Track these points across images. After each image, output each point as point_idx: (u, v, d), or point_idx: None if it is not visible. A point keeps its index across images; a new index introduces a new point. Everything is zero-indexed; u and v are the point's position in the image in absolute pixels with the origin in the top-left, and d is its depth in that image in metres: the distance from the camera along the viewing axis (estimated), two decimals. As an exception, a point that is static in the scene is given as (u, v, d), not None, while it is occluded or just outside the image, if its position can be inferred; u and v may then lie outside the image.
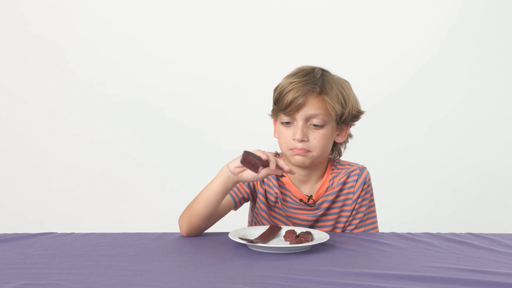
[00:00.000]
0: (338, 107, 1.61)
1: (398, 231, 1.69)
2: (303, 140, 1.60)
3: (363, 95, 3.32)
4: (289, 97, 1.59)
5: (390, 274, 1.25)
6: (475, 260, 1.39)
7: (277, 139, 1.70)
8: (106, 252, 1.42)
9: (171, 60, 3.38)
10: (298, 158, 1.63)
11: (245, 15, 3.39)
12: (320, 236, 1.51)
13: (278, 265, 1.31)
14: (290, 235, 1.52)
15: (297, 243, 1.46)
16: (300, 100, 1.58)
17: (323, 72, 1.67)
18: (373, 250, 1.46)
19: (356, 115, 1.69)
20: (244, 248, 1.46)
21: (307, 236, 1.49)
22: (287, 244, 1.46)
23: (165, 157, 3.41)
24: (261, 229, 1.58)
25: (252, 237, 1.51)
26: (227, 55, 3.39)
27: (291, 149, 1.62)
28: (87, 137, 3.38)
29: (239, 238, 1.47)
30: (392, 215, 3.24)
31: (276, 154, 1.70)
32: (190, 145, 3.38)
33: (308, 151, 1.61)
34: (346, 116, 1.65)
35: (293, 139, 1.61)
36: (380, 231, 1.70)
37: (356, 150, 3.27)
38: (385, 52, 3.40)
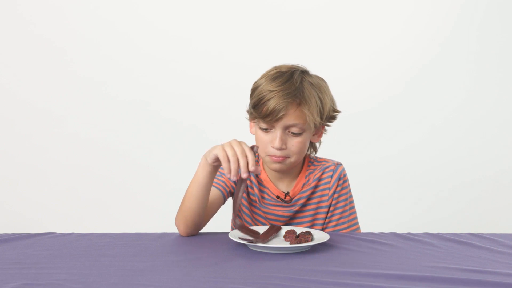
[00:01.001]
0: (317, 119, 1.63)
1: (398, 231, 1.69)
2: (282, 148, 1.63)
3: (363, 95, 3.34)
4: (269, 107, 1.60)
5: (390, 274, 1.25)
6: (475, 260, 1.39)
7: (253, 135, 1.71)
8: (106, 252, 1.42)
9: (171, 60, 3.39)
10: (276, 166, 1.66)
11: (245, 15, 3.39)
12: (320, 236, 1.51)
13: (278, 265, 1.31)
14: (290, 235, 1.52)
15: (297, 243, 1.46)
16: (281, 114, 1.59)
17: (302, 76, 1.67)
18: (373, 250, 1.46)
19: (332, 116, 1.71)
20: (244, 248, 1.46)
21: (307, 236, 1.49)
22: (287, 244, 1.46)
23: (166, 157, 3.41)
24: (261, 229, 1.58)
25: (252, 237, 1.51)
26: (227, 55, 3.38)
27: (269, 156, 1.65)
28: (87, 136, 3.38)
29: (239, 238, 1.47)
30: (392, 215, 3.24)
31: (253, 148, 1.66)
32: (190, 145, 3.38)
33: (286, 157, 1.65)
34: (323, 121, 1.67)
35: (272, 147, 1.63)
36: (380, 231, 1.70)
37: (357, 150, 3.28)
38: (383, 52, 3.40)
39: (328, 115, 1.67)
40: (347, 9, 3.41)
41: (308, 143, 1.69)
